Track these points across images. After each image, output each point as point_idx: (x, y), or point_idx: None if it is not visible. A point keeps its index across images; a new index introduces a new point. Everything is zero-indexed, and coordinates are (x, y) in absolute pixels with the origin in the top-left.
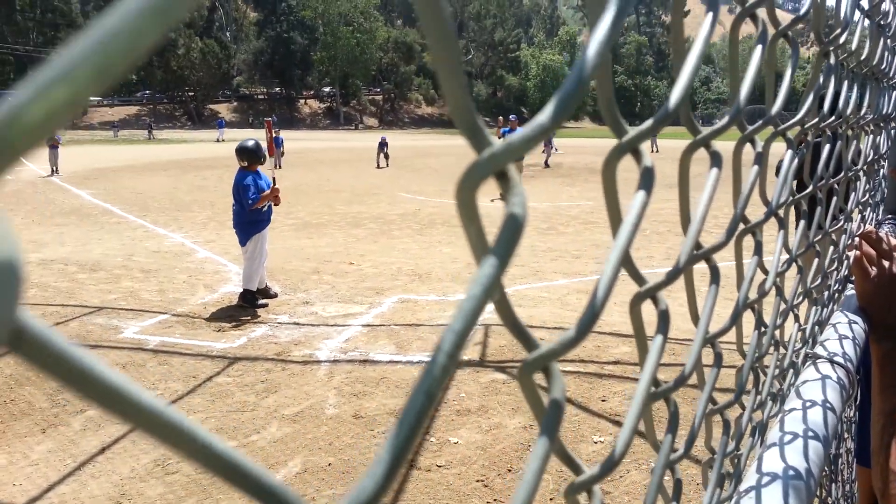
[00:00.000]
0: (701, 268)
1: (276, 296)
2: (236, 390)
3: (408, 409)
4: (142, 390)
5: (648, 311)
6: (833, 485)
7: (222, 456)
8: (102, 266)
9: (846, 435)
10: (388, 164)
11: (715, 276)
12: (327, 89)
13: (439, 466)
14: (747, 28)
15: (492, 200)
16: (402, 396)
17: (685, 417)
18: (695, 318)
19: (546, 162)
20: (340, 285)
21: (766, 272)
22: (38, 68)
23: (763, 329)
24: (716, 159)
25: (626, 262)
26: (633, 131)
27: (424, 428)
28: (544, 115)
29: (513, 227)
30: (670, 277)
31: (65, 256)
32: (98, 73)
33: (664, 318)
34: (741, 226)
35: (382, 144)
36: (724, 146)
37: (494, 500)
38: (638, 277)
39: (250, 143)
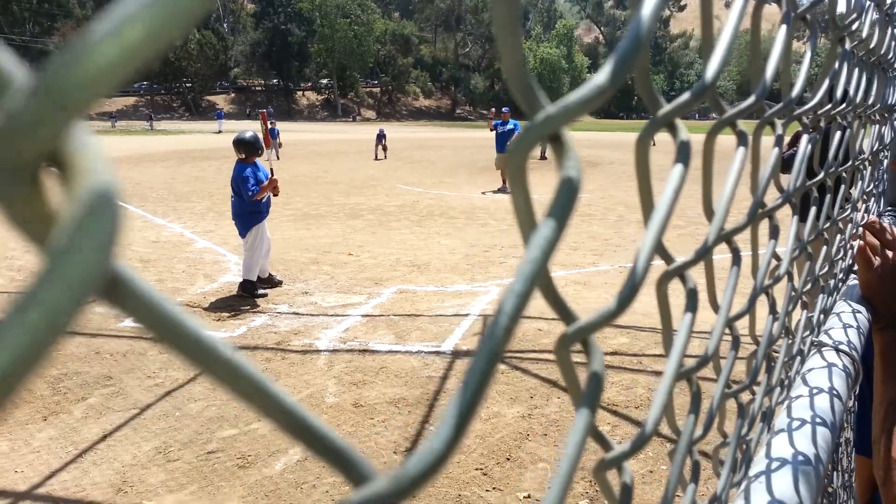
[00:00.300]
0: (715, 261)
1: (280, 283)
2: None
3: (472, 370)
4: (228, 348)
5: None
6: (834, 473)
7: (296, 414)
8: None
9: (845, 424)
10: (386, 156)
11: (736, 258)
12: (325, 81)
13: None
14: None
15: (483, 193)
16: (402, 386)
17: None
18: (713, 302)
19: (543, 153)
20: (339, 276)
21: (778, 259)
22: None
23: (776, 315)
24: (742, 139)
25: (660, 237)
26: (668, 105)
27: (489, 389)
28: (602, 76)
29: (569, 191)
30: (699, 255)
31: None
32: (172, 15)
33: (692, 297)
34: (759, 210)
35: (380, 136)
36: (726, 139)
37: (493, 487)
38: (667, 256)
39: (248, 134)
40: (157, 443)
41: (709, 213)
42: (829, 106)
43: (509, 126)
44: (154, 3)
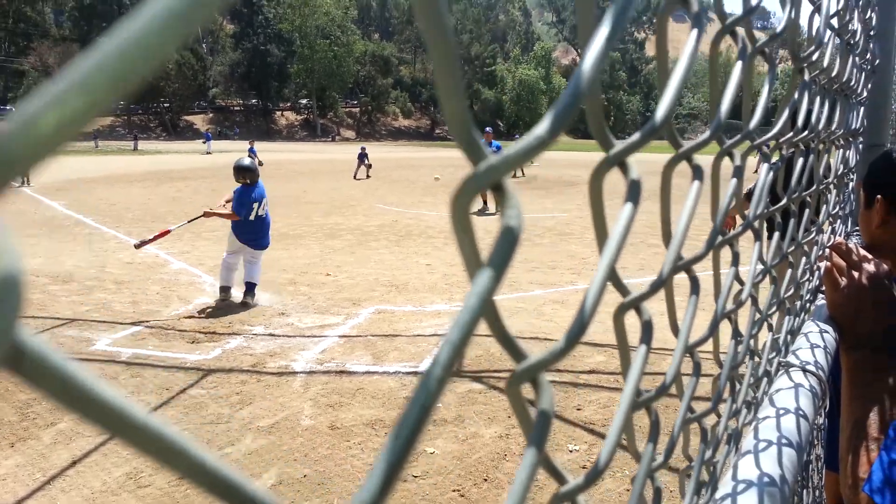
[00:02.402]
0: (678, 281)
1: (225, 298)
2: (210, 402)
3: (403, 421)
4: (141, 409)
5: (630, 321)
6: (804, 491)
7: (219, 473)
8: (74, 277)
9: (816, 442)
10: (368, 175)
11: (695, 286)
12: (304, 101)
13: (415, 477)
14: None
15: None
16: (379, 407)
17: (662, 427)
18: (674, 329)
19: (520, 171)
20: (317, 296)
21: (741, 283)
22: (41, 89)
23: (739, 338)
24: (697, 172)
25: (611, 273)
26: (620, 144)
27: (420, 440)
28: (542, 128)
29: (509, 240)
30: (654, 288)
31: (36, 268)
32: (116, 81)
33: (647, 329)
34: (719, 238)
35: (362, 155)
36: (703, 159)
37: None
38: (622, 288)
39: (246, 161)
40: (128, 468)
41: (667, 242)
42: (791, 134)
43: (492, 147)
44: (100, 69)
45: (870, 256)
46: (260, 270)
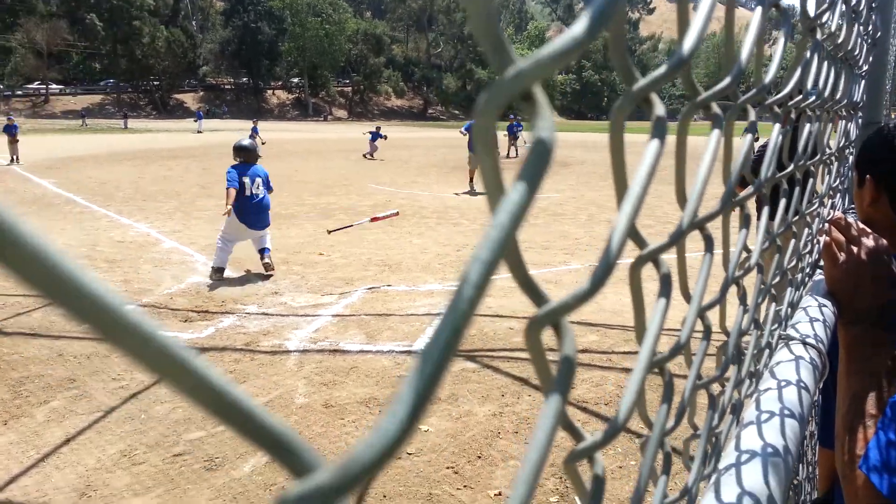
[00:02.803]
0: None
1: (219, 279)
2: None
3: (433, 344)
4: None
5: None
6: (800, 465)
7: (226, 393)
8: None
9: (810, 417)
10: (371, 156)
11: (709, 244)
12: (295, 80)
13: (409, 454)
14: (719, 12)
15: (456, 194)
16: (373, 385)
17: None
18: (684, 291)
19: (511, 152)
20: (310, 276)
21: (748, 251)
22: None
23: (745, 307)
24: (717, 121)
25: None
26: (644, 79)
27: (449, 367)
28: (579, 27)
29: (542, 152)
30: (673, 239)
31: None
32: None
33: (666, 283)
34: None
35: (376, 135)
36: (697, 140)
37: (465, 486)
38: (639, 240)
39: (245, 142)
40: (123, 446)
41: (681, 199)
42: (800, 97)
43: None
44: None
45: (869, 231)
46: (269, 239)
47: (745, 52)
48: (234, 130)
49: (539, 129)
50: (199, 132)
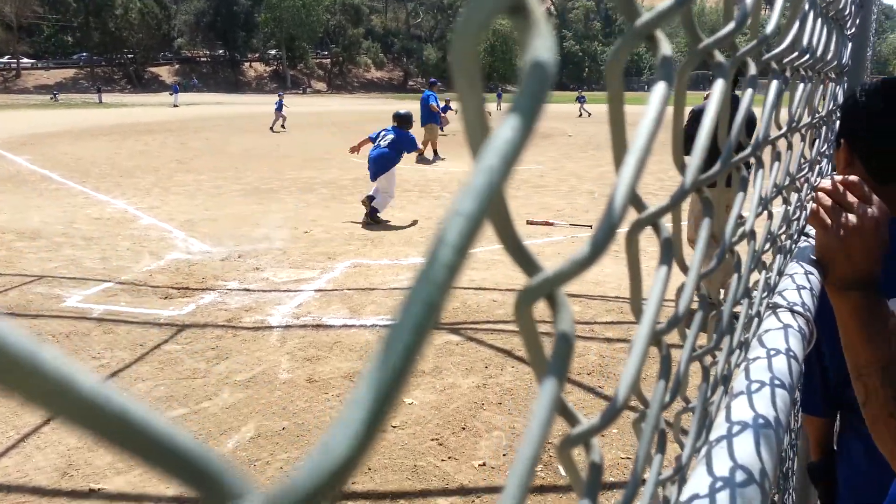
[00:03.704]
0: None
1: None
2: (186, 357)
3: (400, 326)
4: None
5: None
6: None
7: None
8: (42, 234)
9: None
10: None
11: (708, 207)
12: (273, 52)
13: (394, 427)
14: None
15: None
16: (357, 360)
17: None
18: (679, 259)
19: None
20: (292, 250)
21: (741, 217)
22: None
23: (740, 274)
24: (720, 70)
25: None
26: (648, 14)
27: (420, 358)
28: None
29: (540, 79)
30: (675, 200)
31: (2, 224)
32: None
33: (668, 249)
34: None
35: (446, 107)
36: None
37: (449, 457)
38: (637, 202)
39: (403, 111)
40: None
41: (679, 159)
42: (796, 54)
43: (432, 101)
44: None
45: (874, 198)
46: (381, 198)
47: None
48: (212, 104)
49: (536, 48)
50: (175, 106)
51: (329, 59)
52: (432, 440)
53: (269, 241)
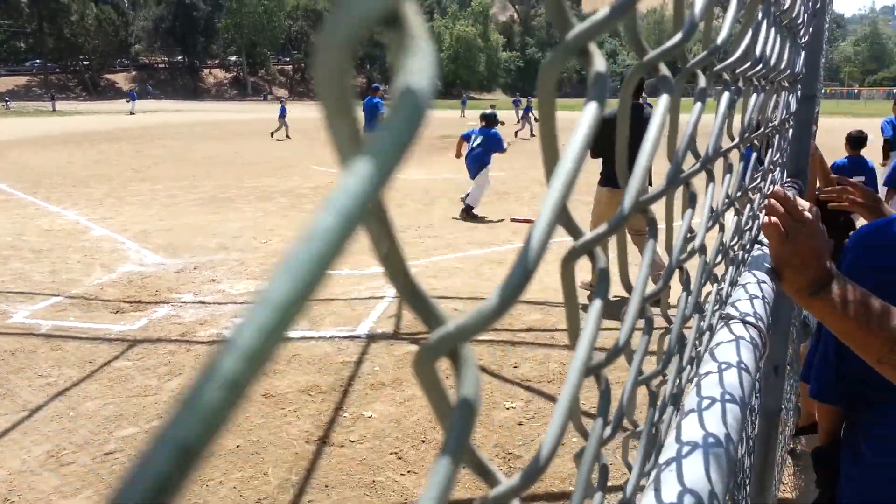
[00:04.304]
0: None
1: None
2: (137, 374)
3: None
4: None
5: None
6: (740, 444)
7: None
8: None
9: (754, 394)
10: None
11: (653, 229)
12: (233, 58)
13: (353, 441)
14: None
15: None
16: (315, 373)
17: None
18: (625, 282)
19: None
20: (249, 261)
21: (692, 231)
22: None
23: (689, 291)
24: (665, 85)
25: (560, 210)
26: (581, 25)
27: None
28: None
29: (409, 112)
30: (613, 227)
31: None
32: None
33: (604, 279)
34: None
35: (528, 108)
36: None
37: (408, 471)
38: (573, 229)
39: (488, 111)
40: (50, 446)
41: (623, 176)
42: (749, 64)
43: (377, 107)
44: None
45: (806, 204)
46: (473, 195)
47: (698, 6)
48: (170, 111)
49: (409, 71)
50: (131, 113)
51: (291, 66)
52: (391, 454)
53: (226, 251)
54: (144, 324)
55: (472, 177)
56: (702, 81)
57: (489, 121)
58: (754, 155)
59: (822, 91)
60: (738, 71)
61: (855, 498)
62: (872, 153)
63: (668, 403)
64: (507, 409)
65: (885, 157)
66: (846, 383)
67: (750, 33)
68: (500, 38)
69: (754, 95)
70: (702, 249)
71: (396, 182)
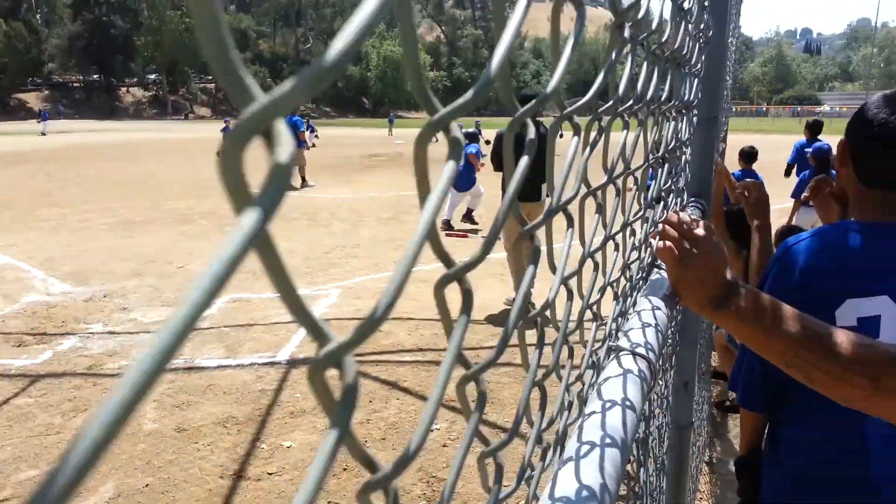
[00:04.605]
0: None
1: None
2: (39, 412)
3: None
4: None
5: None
6: (641, 469)
7: None
8: None
9: (657, 411)
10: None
11: (535, 255)
12: (153, 77)
13: (270, 474)
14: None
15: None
16: (232, 403)
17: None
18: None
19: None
20: (165, 287)
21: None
22: None
23: (568, 334)
24: (530, 146)
25: (433, 240)
26: (446, 108)
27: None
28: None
29: (279, 177)
30: (475, 260)
31: None
32: None
33: (468, 298)
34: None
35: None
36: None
37: (329, 501)
38: (446, 259)
39: (471, 129)
40: None
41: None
42: (611, 102)
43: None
44: None
45: (698, 220)
46: (453, 207)
47: (563, 61)
48: (85, 132)
49: (278, 154)
50: (43, 134)
51: (213, 84)
52: None
53: (139, 277)
54: (48, 357)
55: (459, 188)
56: (530, 132)
57: (469, 137)
58: (633, 189)
59: (732, 109)
60: (620, 110)
61: (772, 500)
62: (762, 167)
63: (549, 451)
64: (432, 430)
65: (787, 175)
66: (769, 387)
67: (602, 74)
68: (427, 57)
69: (623, 131)
70: (569, 295)
71: (323, 202)
